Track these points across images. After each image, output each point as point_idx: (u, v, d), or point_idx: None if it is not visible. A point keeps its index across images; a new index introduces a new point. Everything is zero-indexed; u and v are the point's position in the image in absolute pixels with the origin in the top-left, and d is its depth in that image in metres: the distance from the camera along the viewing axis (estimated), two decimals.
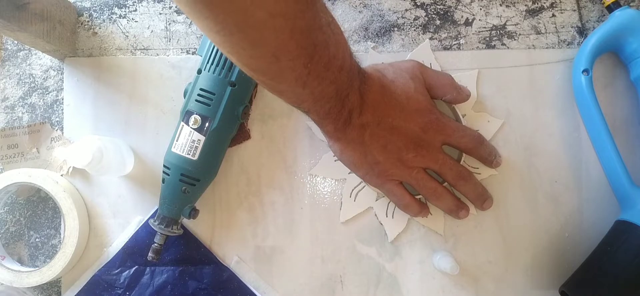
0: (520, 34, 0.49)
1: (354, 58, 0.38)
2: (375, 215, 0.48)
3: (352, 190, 0.48)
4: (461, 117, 0.46)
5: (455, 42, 0.49)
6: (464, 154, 0.46)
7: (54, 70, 0.50)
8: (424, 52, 0.48)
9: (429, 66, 0.48)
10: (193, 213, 0.45)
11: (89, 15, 0.51)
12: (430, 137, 0.42)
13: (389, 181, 0.44)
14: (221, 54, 0.43)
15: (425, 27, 0.50)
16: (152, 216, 0.47)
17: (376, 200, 0.48)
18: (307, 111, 0.38)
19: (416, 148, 0.42)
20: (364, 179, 0.45)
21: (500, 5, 0.50)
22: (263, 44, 0.30)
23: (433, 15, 0.50)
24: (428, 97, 0.44)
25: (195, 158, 0.43)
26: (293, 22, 0.29)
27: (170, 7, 0.51)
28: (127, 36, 0.50)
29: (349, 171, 0.46)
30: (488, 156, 0.45)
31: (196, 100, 0.44)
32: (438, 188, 0.44)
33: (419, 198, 0.45)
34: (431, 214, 0.47)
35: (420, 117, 0.42)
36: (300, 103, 0.37)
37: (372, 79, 0.40)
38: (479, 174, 0.47)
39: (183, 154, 0.43)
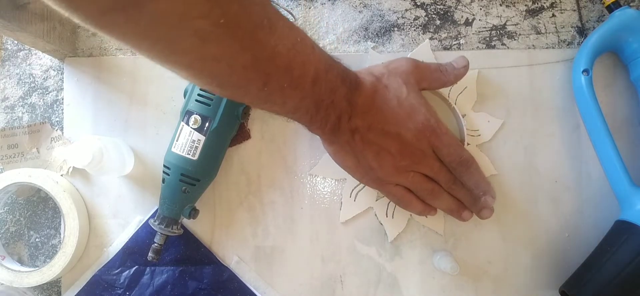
0: (520, 34, 0.49)
1: (340, 66, 0.38)
2: (375, 215, 0.48)
3: (352, 190, 0.48)
4: (461, 117, 0.46)
5: (455, 42, 0.49)
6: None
7: (54, 70, 0.50)
8: (424, 52, 0.48)
9: None
10: (193, 213, 0.45)
11: None
12: (422, 143, 0.42)
13: (387, 184, 0.43)
14: None
15: (425, 27, 0.50)
16: (152, 216, 0.47)
17: (376, 200, 0.48)
18: (291, 119, 0.40)
19: (410, 155, 0.42)
20: (362, 182, 0.45)
21: (500, 5, 0.50)
22: (206, 77, 0.32)
23: (433, 15, 0.50)
24: (421, 101, 0.42)
25: (195, 158, 0.43)
26: (230, 61, 0.31)
27: None
28: None
29: None
30: (474, 187, 0.43)
31: (196, 100, 0.44)
32: (435, 188, 0.43)
33: None
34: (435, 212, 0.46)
35: (411, 122, 0.41)
36: (278, 113, 0.39)
37: (365, 84, 0.40)
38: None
39: (183, 154, 0.43)
